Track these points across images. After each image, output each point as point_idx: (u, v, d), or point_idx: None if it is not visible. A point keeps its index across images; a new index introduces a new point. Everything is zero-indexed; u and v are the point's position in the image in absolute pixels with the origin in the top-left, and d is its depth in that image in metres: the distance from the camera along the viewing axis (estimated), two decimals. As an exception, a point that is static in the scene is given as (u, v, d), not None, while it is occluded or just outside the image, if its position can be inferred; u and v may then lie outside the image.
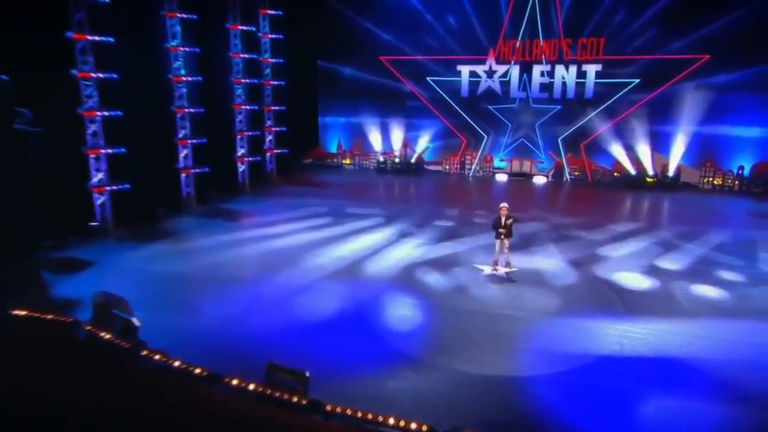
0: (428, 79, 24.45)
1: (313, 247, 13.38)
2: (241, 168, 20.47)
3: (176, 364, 5.15)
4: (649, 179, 21.89)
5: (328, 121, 26.76)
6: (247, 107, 20.31)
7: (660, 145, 22.04)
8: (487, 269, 11.68)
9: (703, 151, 21.70)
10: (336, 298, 10.35)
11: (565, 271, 11.97)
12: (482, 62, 23.56)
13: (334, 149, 27.07)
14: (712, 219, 17.18)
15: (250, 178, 20.77)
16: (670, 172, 21.87)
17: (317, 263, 12.32)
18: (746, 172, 21.31)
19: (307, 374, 5.17)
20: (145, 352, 5.39)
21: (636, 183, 21.93)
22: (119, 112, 14.24)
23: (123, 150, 14.42)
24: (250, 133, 20.58)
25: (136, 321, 7.14)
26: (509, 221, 11.26)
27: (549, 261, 12.55)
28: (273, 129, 22.32)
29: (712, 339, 8.81)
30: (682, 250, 13.54)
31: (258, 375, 5.13)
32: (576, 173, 23.67)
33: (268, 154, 22.43)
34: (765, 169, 20.93)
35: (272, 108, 22.03)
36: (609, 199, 20.54)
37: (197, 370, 4.99)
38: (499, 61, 23.28)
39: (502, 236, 11.28)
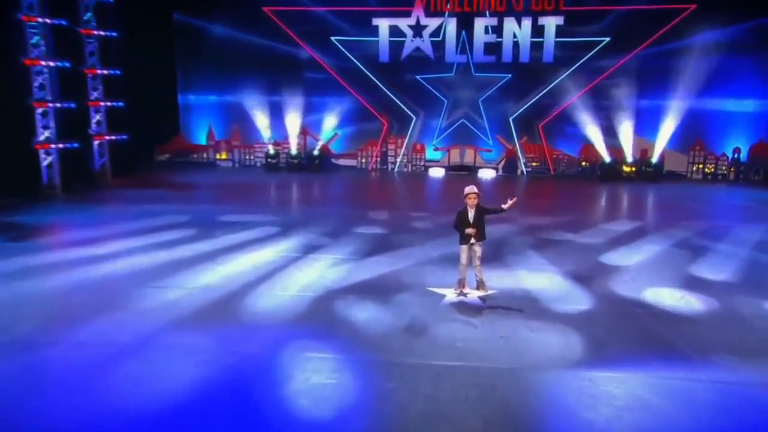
0: (333, 39, 22.22)
1: (158, 273, 9.92)
2: (46, 160, 16.28)
3: None
4: (627, 168, 20.85)
5: (192, 101, 23.81)
6: (52, 64, 16.16)
7: (640, 124, 21.19)
8: (451, 294, 9.05)
9: (689, 131, 21.24)
10: (198, 362, 6.78)
11: (570, 290, 9.46)
12: (406, 15, 21.69)
13: (202, 140, 24.07)
14: (727, 213, 16.57)
15: (65, 176, 16.80)
16: (654, 158, 20.91)
17: (164, 300, 8.78)
18: (742, 156, 20.81)
19: None
20: None
21: (611, 173, 20.82)
22: None
23: None
24: (59, 105, 16.45)
25: None
26: (512, 198, 8.73)
27: (540, 277, 10.13)
28: (102, 103, 18.28)
29: None
30: (717, 252, 11.83)
31: None
32: (534, 163, 22.19)
33: (96, 141, 18.31)
34: (763, 152, 20.41)
35: (98, 71, 17.98)
36: (584, 192, 19.35)
37: None
38: (428, 13, 21.54)
39: (472, 240, 8.79)
